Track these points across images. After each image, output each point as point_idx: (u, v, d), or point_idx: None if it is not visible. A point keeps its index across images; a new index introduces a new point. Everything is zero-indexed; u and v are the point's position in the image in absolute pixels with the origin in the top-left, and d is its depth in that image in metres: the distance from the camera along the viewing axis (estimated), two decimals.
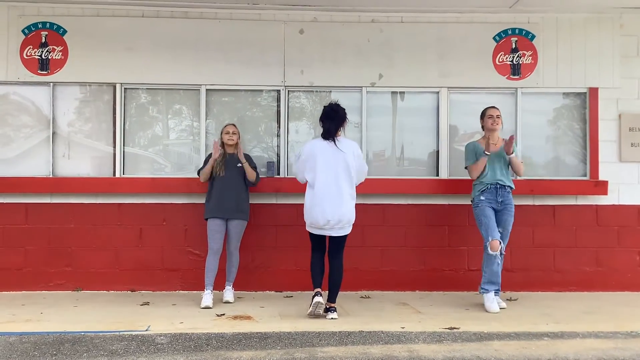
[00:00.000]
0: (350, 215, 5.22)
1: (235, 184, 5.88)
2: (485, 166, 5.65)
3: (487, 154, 5.60)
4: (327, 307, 5.25)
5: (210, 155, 6.01)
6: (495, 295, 5.64)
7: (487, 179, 5.66)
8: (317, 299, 5.12)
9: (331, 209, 5.13)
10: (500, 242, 5.53)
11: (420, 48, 6.56)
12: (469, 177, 5.85)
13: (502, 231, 5.64)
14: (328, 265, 5.35)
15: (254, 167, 6.02)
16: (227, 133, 5.96)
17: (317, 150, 5.23)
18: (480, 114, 5.89)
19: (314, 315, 5.12)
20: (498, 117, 5.73)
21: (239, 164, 5.91)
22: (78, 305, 5.75)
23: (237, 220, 5.90)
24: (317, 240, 5.34)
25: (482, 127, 5.86)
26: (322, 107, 5.44)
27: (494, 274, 5.54)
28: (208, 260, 5.84)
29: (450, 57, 6.56)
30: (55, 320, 5.13)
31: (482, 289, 5.59)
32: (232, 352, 4.26)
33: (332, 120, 5.26)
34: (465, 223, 6.45)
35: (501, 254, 5.59)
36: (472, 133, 6.42)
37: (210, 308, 5.59)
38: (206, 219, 5.92)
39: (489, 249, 5.52)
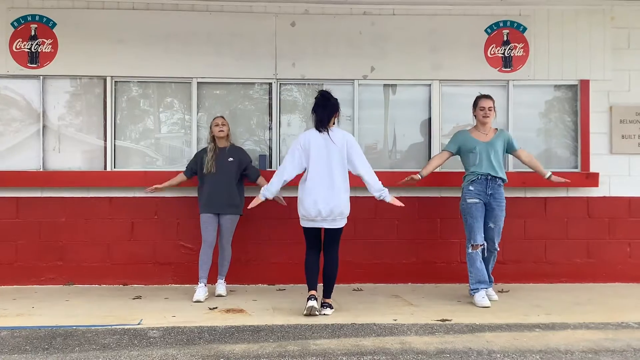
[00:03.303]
0: (343, 208, 5.14)
1: (226, 179, 5.84)
2: (477, 157, 5.62)
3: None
4: (322, 302, 5.23)
5: (201, 151, 6.01)
6: (488, 288, 5.67)
7: (478, 169, 5.63)
8: (311, 302, 5.02)
9: (323, 200, 5.06)
10: (482, 245, 5.54)
11: (412, 40, 6.55)
12: (461, 170, 5.86)
13: (493, 227, 5.61)
14: (323, 259, 5.29)
15: (249, 162, 6.04)
16: (217, 125, 5.92)
17: (311, 141, 5.14)
18: (472, 102, 5.83)
19: (309, 315, 5.02)
20: (490, 109, 5.68)
21: (230, 158, 5.88)
22: (69, 300, 5.73)
23: (228, 215, 5.87)
24: (312, 236, 5.23)
25: (474, 115, 5.82)
26: (314, 99, 5.33)
27: (480, 271, 5.53)
28: (202, 253, 5.81)
29: (442, 50, 6.55)
30: (47, 315, 5.12)
31: (472, 289, 5.56)
32: (225, 345, 4.26)
33: (325, 109, 5.17)
34: (457, 215, 6.41)
35: (493, 250, 5.58)
36: (463, 125, 6.41)
37: (202, 302, 5.57)
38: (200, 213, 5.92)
39: (470, 249, 5.55)
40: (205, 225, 5.83)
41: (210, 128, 5.99)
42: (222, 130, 5.91)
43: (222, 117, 6.05)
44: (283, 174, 5.19)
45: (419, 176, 5.78)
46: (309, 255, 5.24)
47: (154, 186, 6.03)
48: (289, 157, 5.21)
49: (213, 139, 5.95)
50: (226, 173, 5.84)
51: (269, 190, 5.25)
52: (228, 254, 5.97)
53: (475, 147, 5.62)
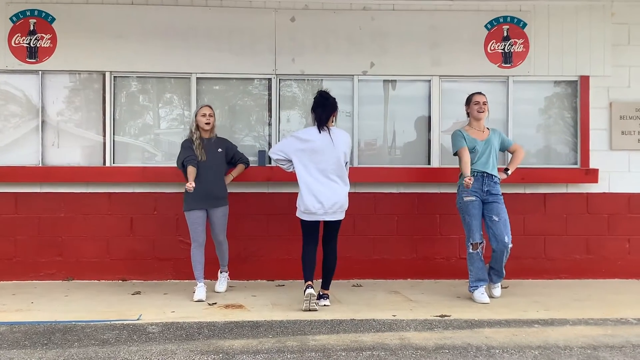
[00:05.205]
0: (344, 201, 5.26)
1: (215, 173, 5.66)
2: (476, 155, 5.59)
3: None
4: (320, 293, 5.33)
5: (187, 140, 5.69)
6: (495, 283, 5.67)
7: (475, 167, 5.60)
8: (310, 290, 5.10)
9: (324, 196, 5.16)
10: (481, 243, 5.53)
11: (412, 36, 6.54)
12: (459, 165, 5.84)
13: (497, 219, 5.50)
14: (322, 253, 5.37)
15: (235, 148, 5.89)
16: (204, 115, 5.64)
17: (313, 138, 5.23)
18: (465, 100, 5.83)
19: (308, 311, 5.03)
20: (484, 103, 5.66)
21: (219, 149, 5.72)
22: (69, 295, 5.74)
23: (221, 207, 5.71)
24: (311, 229, 5.31)
25: (467, 113, 5.80)
26: (313, 97, 5.43)
27: (480, 270, 5.53)
28: (195, 254, 5.61)
29: (442, 45, 6.54)
30: (46, 310, 5.12)
31: (471, 286, 5.56)
32: (224, 340, 4.26)
33: (324, 108, 5.28)
34: (457, 211, 6.44)
35: (505, 247, 5.46)
36: (463, 122, 6.38)
37: (204, 302, 5.45)
38: (185, 211, 5.65)
39: (470, 248, 5.54)
40: (194, 226, 5.59)
41: (195, 117, 5.70)
42: (208, 123, 5.64)
43: (210, 106, 5.78)
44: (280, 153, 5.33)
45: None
46: (307, 249, 5.32)
47: (192, 184, 5.42)
48: (282, 140, 5.48)
49: (197, 128, 5.68)
50: (215, 166, 5.66)
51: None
52: (226, 247, 5.87)
53: (475, 146, 5.61)
